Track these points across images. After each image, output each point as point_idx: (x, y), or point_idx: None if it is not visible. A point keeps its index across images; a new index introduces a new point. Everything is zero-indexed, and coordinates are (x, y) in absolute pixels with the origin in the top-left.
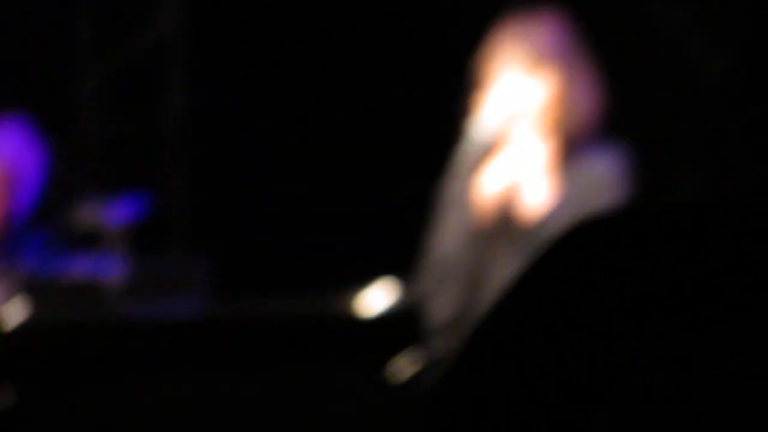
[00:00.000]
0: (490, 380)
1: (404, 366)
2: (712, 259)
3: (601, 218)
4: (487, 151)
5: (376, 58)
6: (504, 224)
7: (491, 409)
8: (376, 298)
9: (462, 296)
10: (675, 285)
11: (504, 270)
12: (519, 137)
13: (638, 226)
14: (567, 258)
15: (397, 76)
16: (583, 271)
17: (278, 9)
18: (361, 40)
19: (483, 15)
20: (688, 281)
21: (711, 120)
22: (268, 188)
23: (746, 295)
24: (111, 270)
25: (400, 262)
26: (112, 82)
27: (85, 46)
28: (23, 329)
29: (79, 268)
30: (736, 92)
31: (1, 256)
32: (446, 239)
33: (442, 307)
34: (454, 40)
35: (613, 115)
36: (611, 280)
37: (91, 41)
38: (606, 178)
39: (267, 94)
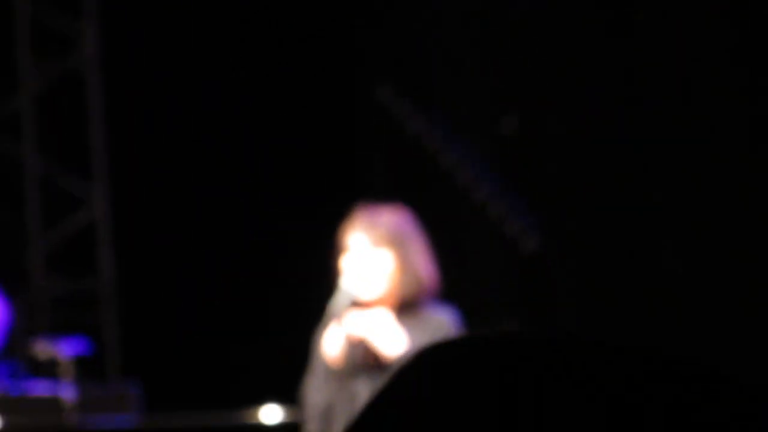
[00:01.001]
0: None
1: None
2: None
3: (439, 344)
4: (347, 306)
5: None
6: (364, 365)
7: None
8: (270, 414)
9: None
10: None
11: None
12: (370, 295)
13: (469, 350)
14: (412, 375)
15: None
16: (426, 385)
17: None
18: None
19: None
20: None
21: (529, 286)
22: (184, 332)
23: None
24: (65, 391)
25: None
26: (58, 248)
27: (35, 219)
28: None
29: (41, 389)
30: (548, 263)
31: None
32: (312, 381)
33: None
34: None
35: (444, 285)
36: (447, 395)
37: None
38: (445, 322)
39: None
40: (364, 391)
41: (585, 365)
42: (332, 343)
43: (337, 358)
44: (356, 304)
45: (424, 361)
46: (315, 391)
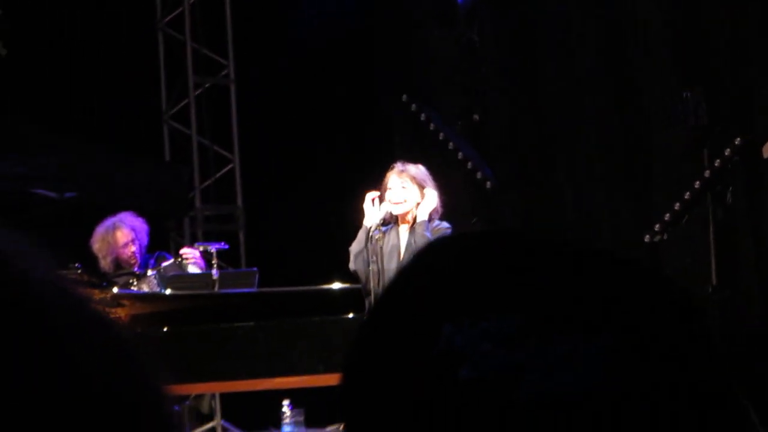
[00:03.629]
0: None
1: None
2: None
3: (451, 236)
4: (383, 218)
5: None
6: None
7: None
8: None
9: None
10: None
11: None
12: (401, 213)
13: (474, 238)
14: (433, 254)
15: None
16: (442, 260)
17: None
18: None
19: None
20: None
21: (489, 210)
22: (285, 238)
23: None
24: (214, 273)
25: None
26: (211, 189)
27: (197, 172)
28: (167, 298)
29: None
30: (500, 197)
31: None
32: (354, 243)
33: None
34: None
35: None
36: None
37: None
38: (445, 230)
39: None
40: (388, 272)
41: (539, 245)
42: (370, 215)
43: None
44: (389, 218)
45: (442, 244)
46: (354, 245)
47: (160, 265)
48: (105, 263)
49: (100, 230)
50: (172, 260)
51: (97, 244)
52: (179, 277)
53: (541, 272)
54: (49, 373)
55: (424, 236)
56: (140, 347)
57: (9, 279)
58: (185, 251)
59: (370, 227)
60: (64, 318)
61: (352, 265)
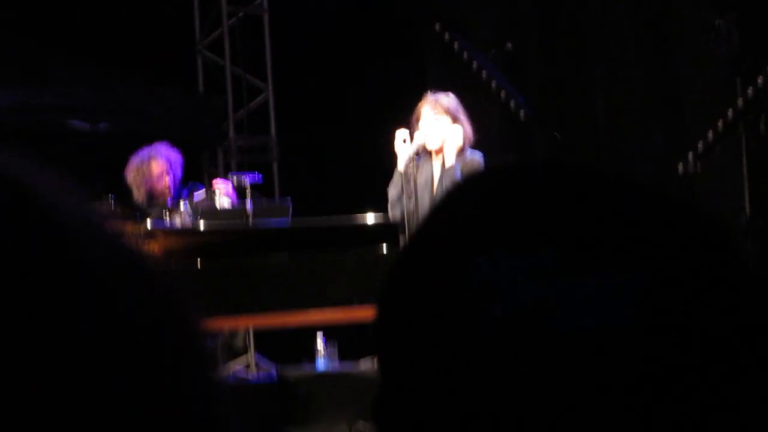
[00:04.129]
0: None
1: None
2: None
3: (488, 170)
4: (416, 150)
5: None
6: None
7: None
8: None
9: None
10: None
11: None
12: (433, 144)
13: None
14: (470, 187)
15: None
16: (479, 192)
17: None
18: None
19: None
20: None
21: (523, 139)
22: (315, 173)
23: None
24: (247, 204)
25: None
26: (243, 118)
27: (231, 101)
28: (200, 232)
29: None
30: (533, 125)
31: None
32: (390, 185)
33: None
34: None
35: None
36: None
37: None
38: (477, 160)
39: None
40: (422, 201)
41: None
42: (402, 156)
43: (404, 165)
44: (421, 151)
45: (475, 179)
46: (391, 189)
47: (192, 195)
48: (138, 194)
49: (134, 160)
50: (203, 190)
51: (131, 174)
52: (213, 213)
53: (574, 206)
54: (78, 309)
55: (455, 178)
56: (175, 282)
57: (36, 213)
58: (217, 182)
59: (404, 165)
60: (93, 252)
61: (390, 211)
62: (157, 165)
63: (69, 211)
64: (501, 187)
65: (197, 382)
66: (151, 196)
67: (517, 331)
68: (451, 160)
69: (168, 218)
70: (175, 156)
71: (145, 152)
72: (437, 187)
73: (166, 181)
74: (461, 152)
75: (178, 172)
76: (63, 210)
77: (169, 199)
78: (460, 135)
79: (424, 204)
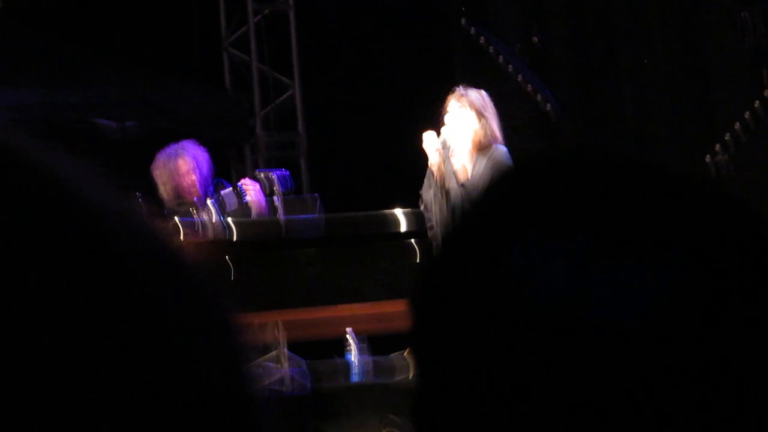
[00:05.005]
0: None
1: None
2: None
3: (524, 160)
4: (443, 145)
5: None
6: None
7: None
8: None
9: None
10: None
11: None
12: (461, 141)
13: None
14: (508, 179)
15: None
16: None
17: None
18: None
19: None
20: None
21: (551, 131)
22: (346, 168)
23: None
24: (276, 200)
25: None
26: (271, 116)
27: (258, 99)
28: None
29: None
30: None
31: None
32: (424, 188)
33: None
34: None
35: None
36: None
37: None
38: (503, 153)
39: None
40: (452, 190)
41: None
42: (432, 156)
43: (435, 168)
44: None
45: (507, 167)
46: (424, 193)
47: (218, 192)
48: (165, 191)
49: (161, 157)
50: (230, 188)
51: (158, 170)
52: (242, 210)
53: (608, 192)
54: (117, 303)
55: (478, 172)
56: (210, 278)
57: (72, 208)
58: (245, 182)
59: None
60: (132, 248)
61: (424, 212)
62: (183, 162)
63: (106, 205)
64: (532, 173)
65: (234, 382)
66: (178, 193)
67: (552, 318)
68: (462, 157)
69: (196, 215)
70: (202, 153)
71: (171, 149)
72: (450, 184)
73: (193, 179)
74: (487, 147)
75: (205, 170)
76: (100, 204)
77: (195, 197)
78: (469, 130)
79: (453, 191)
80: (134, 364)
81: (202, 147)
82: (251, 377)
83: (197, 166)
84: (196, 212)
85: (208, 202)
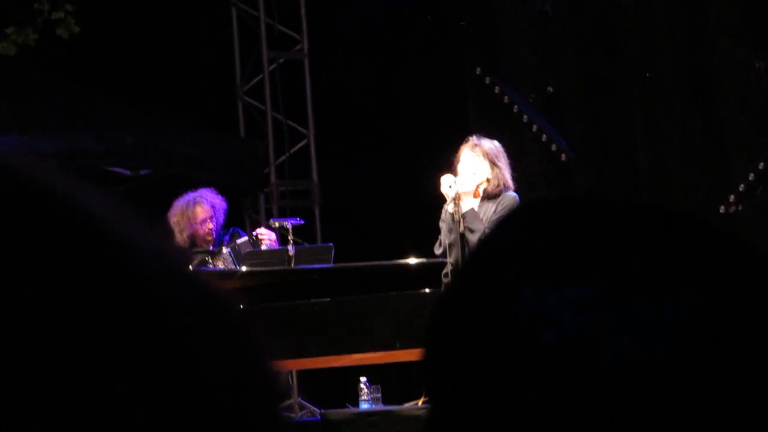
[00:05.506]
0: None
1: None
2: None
3: (529, 205)
4: (455, 192)
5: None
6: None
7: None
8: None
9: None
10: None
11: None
12: (470, 186)
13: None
14: (512, 221)
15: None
16: (524, 225)
17: None
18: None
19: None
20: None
21: (564, 181)
22: (358, 218)
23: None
24: (289, 248)
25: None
26: (285, 164)
27: (272, 147)
28: (243, 275)
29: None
30: (573, 168)
31: (217, 245)
32: (440, 236)
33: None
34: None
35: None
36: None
37: None
38: (514, 199)
39: None
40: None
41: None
42: (450, 199)
43: (449, 215)
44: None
45: (520, 211)
46: (443, 237)
47: (234, 241)
48: (181, 238)
49: (179, 204)
50: (246, 238)
51: (175, 217)
52: (255, 254)
53: (621, 236)
54: (161, 352)
55: (487, 218)
56: (249, 322)
57: (114, 251)
58: (261, 231)
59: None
60: (178, 297)
61: (439, 247)
62: (201, 210)
63: (147, 248)
64: (544, 218)
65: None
66: (194, 241)
67: (567, 362)
68: (468, 203)
69: (210, 263)
70: (220, 202)
71: (190, 196)
72: (459, 228)
73: (210, 227)
74: (498, 194)
75: (221, 219)
76: (143, 251)
77: (211, 245)
78: (470, 180)
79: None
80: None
81: (220, 196)
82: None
83: (215, 214)
84: (212, 261)
85: (224, 251)
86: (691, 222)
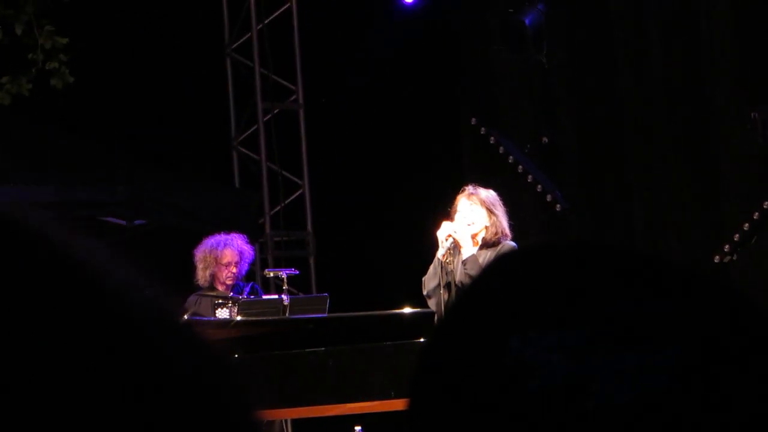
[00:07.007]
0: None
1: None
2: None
3: (521, 250)
4: (452, 242)
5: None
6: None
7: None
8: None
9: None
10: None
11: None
12: (469, 235)
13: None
14: (501, 264)
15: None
16: (512, 269)
17: None
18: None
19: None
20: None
21: (560, 230)
22: (354, 266)
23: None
24: (284, 298)
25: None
26: (280, 214)
27: (267, 197)
28: (237, 324)
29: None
30: (570, 218)
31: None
32: (427, 277)
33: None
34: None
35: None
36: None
37: None
38: (511, 248)
39: None
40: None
41: (610, 258)
42: (442, 246)
43: (441, 258)
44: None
45: (506, 259)
46: (428, 280)
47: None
48: (202, 276)
49: (209, 241)
50: (264, 298)
51: (202, 254)
52: (250, 303)
53: (608, 284)
54: (157, 395)
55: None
56: (242, 371)
57: (107, 302)
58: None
59: (441, 256)
60: (179, 356)
61: (427, 300)
62: (230, 253)
63: (141, 303)
64: (531, 266)
65: None
66: (213, 281)
67: (552, 408)
68: (468, 250)
69: (221, 309)
70: (249, 251)
71: (222, 237)
72: (458, 277)
73: (233, 271)
74: (497, 242)
75: (245, 268)
76: (135, 302)
77: (231, 292)
78: (479, 226)
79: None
80: None
81: (250, 245)
82: None
83: (241, 260)
84: (220, 306)
85: (240, 301)
86: (677, 270)
